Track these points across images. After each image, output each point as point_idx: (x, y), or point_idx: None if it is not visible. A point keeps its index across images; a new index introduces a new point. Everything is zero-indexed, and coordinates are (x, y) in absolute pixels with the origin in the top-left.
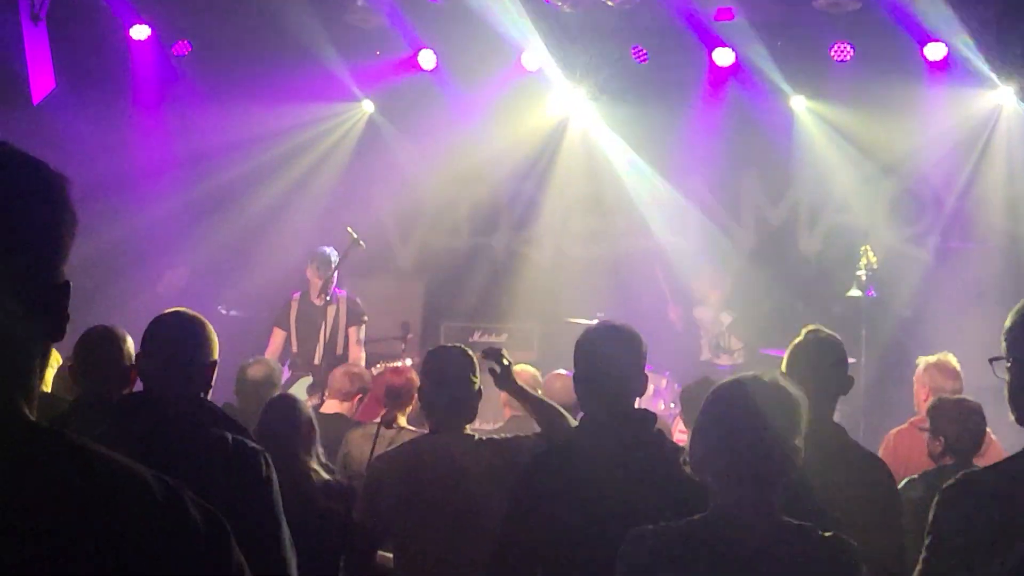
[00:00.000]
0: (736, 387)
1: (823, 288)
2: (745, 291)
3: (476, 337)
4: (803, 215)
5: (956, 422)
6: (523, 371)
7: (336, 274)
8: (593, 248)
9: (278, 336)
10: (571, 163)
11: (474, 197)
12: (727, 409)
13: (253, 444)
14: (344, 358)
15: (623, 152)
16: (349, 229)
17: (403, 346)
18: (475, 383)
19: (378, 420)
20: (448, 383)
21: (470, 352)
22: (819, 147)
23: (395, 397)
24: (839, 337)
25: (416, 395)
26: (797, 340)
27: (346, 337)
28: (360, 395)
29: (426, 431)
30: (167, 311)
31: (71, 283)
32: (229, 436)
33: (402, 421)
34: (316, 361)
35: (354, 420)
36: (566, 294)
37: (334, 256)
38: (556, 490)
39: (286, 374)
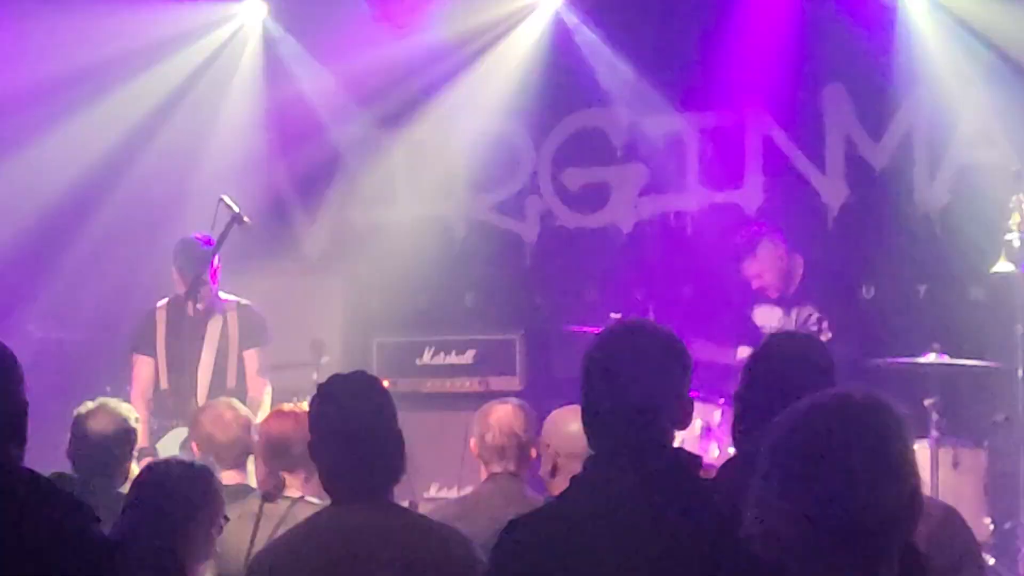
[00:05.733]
0: (833, 412)
1: (954, 261)
2: (835, 273)
3: (427, 358)
4: (920, 153)
5: None
6: (501, 414)
7: (213, 271)
8: (602, 215)
9: (143, 367)
10: (563, 90)
11: (417, 147)
12: (821, 445)
13: (112, 542)
14: (239, 395)
15: (636, 67)
16: (224, 198)
17: (314, 375)
18: (393, 425)
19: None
20: (351, 429)
21: (380, 382)
22: (940, 48)
23: (279, 454)
24: None
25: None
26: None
27: (240, 364)
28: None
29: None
30: None
31: None
32: (71, 527)
33: (293, 489)
34: (200, 398)
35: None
36: (563, 287)
37: (201, 247)
38: None
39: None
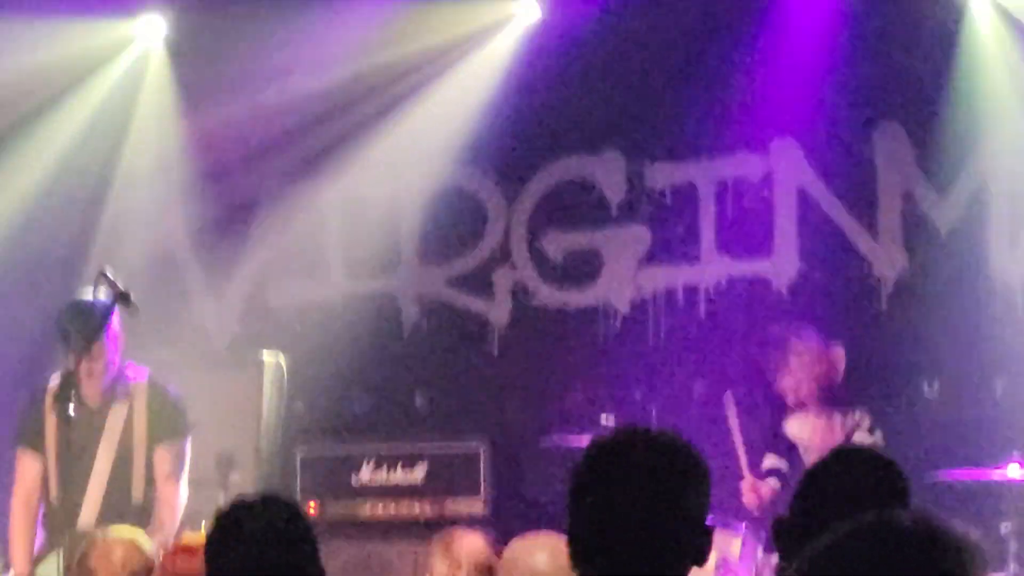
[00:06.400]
0: (872, 543)
1: None
2: (891, 366)
3: (366, 475)
4: (998, 210)
5: None
6: (471, 546)
7: (113, 337)
8: (591, 292)
9: (28, 466)
10: (542, 129)
11: (355, 203)
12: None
13: None
14: (142, 512)
15: (635, 100)
16: (106, 272)
17: (221, 497)
18: (312, 567)
19: None
20: (257, 571)
21: (296, 507)
22: (1021, 75)
23: None
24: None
25: None
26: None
27: (147, 466)
28: None
29: None
30: None
31: None
32: None
33: None
34: (90, 516)
35: None
36: (540, 384)
37: (94, 310)
38: None
39: (39, 541)
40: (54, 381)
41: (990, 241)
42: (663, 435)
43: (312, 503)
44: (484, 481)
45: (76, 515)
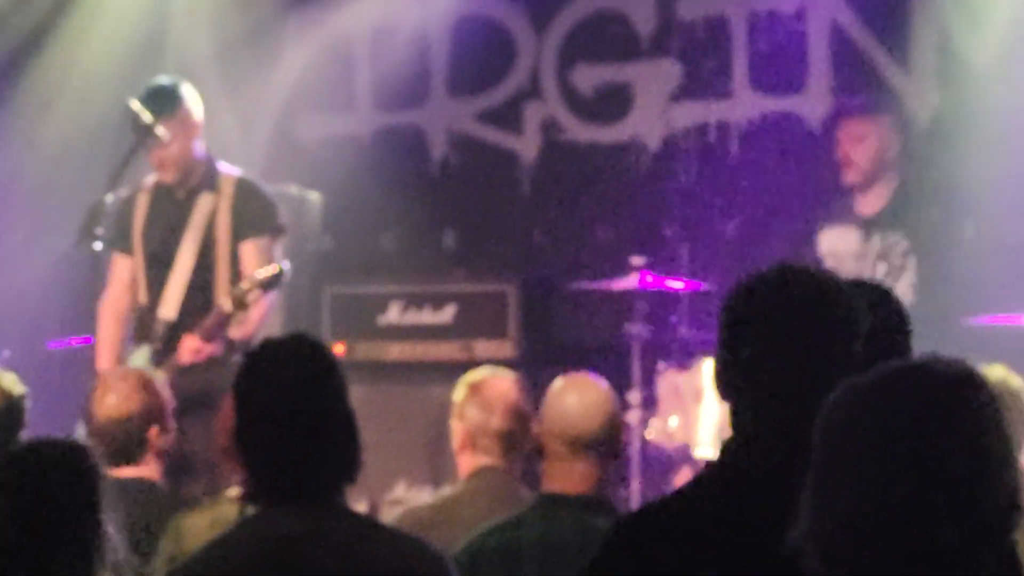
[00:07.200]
0: (909, 388)
1: None
2: (926, 202)
3: (393, 315)
4: None
5: None
6: (503, 388)
7: (182, 130)
8: (622, 127)
9: (118, 269)
10: None
11: (381, 33)
12: (895, 431)
13: None
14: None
15: None
16: (133, 104)
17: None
18: (342, 406)
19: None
20: (285, 412)
21: (326, 348)
22: None
23: None
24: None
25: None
26: None
27: (233, 262)
28: (158, 428)
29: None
30: None
31: None
32: None
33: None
34: (170, 312)
35: (170, 491)
36: (570, 222)
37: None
38: None
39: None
40: (148, 181)
41: None
42: (819, 271)
43: (339, 344)
44: (512, 323)
45: (156, 307)
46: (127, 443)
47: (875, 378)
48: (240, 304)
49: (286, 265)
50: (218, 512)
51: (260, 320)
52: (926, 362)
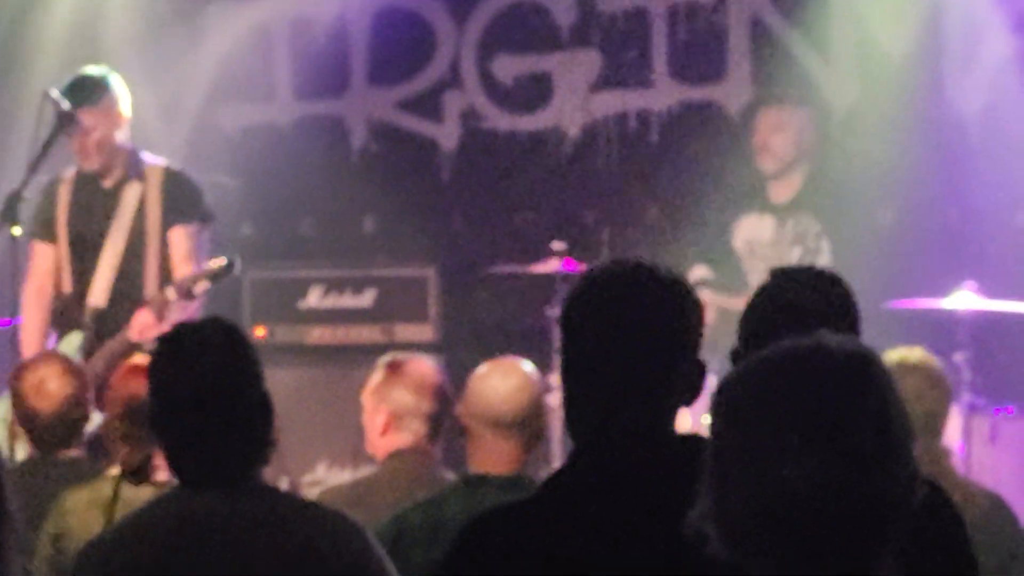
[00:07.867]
0: (803, 366)
1: (995, 178)
2: (844, 191)
3: (313, 299)
4: (951, 37)
5: None
6: (419, 368)
7: (104, 119)
8: (542, 116)
9: (40, 257)
10: None
11: (300, 24)
12: (790, 411)
13: None
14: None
15: None
16: (51, 92)
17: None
18: (256, 388)
19: (114, 471)
20: (199, 394)
21: (239, 331)
22: None
23: (142, 423)
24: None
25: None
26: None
27: (162, 252)
28: (86, 412)
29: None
30: None
31: None
32: None
33: (163, 471)
34: (99, 301)
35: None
36: (489, 208)
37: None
38: None
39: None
40: (68, 172)
41: (942, 70)
42: (656, 267)
43: (260, 328)
44: (432, 307)
45: (84, 294)
46: (70, 430)
47: (772, 357)
48: (187, 294)
49: (237, 261)
50: (96, 490)
51: (196, 311)
52: (820, 341)
